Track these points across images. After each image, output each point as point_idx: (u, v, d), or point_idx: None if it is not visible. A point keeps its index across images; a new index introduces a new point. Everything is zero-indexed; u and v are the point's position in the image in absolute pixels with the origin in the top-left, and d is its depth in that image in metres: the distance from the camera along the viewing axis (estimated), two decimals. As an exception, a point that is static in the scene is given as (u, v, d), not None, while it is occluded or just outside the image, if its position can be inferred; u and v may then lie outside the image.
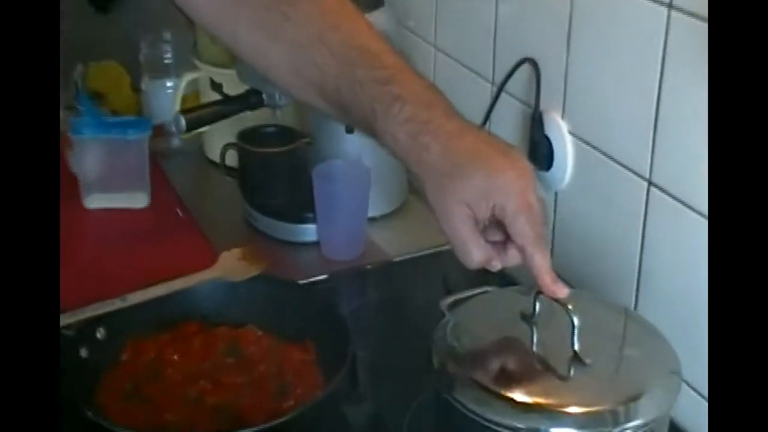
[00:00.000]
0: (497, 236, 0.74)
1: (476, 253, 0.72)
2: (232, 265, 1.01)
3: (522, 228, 0.70)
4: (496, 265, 0.74)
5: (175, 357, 0.92)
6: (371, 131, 0.75)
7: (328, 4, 0.78)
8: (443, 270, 1.15)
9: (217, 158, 1.25)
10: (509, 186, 0.70)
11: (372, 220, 1.19)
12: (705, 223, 0.81)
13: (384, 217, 1.23)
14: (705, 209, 0.82)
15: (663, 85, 0.85)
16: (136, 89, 1.46)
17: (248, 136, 1.21)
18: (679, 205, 0.85)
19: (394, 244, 1.17)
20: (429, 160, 0.71)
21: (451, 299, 0.82)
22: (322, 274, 1.11)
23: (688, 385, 0.84)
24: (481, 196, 0.70)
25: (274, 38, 0.78)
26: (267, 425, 0.78)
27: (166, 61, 1.42)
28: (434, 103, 0.73)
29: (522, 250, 0.72)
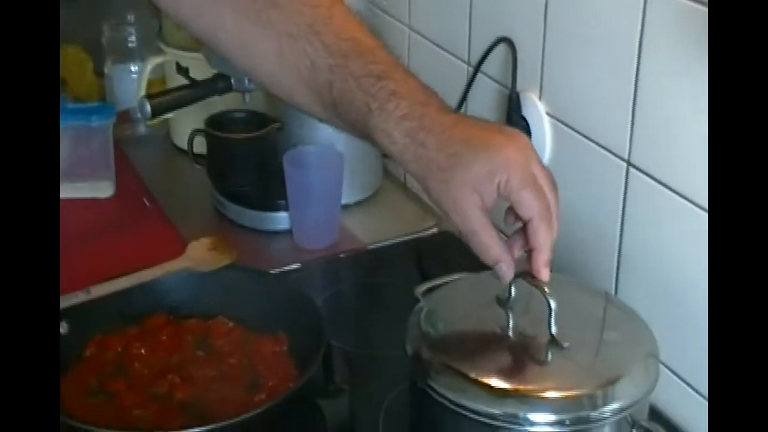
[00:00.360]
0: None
1: (493, 245, 0.70)
2: (200, 256, 0.97)
3: (528, 202, 0.68)
4: (508, 273, 0.71)
5: (142, 351, 0.88)
6: (363, 129, 0.72)
7: None
8: (419, 257, 1.13)
9: (184, 145, 1.22)
10: (511, 161, 0.68)
11: (345, 207, 1.17)
12: (684, 203, 0.80)
13: (358, 204, 1.20)
14: (684, 190, 0.81)
15: (641, 65, 0.83)
16: (99, 74, 1.42)
17: (216, 122, 1.18)
18: (659, 186, 0.83)
19: (369, 231, 1.15)
20: (426, 156, 0.69)
21: (425, 286, 0.80)
22: (295, 263, 1.08)
23: (668, 368, 0.83)
24: (485, 178, 0.68)
25: (261, 26, 0.75)
26: (237, 419, 0.75)
27: (130, 45, 1.39)
28: (429, 100, 0.71)
29: (528, 224, 0.69)
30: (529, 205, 0.68)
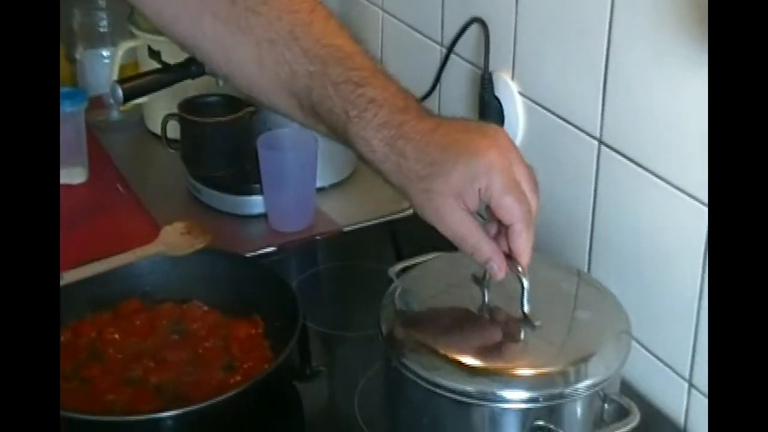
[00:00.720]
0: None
1: (482, 246, 0.69)
2: (174, 240, 0.97)
3: (510, 206, 0.67)
4: (500, 271, 0.70)
5: (117, 336, 0.88)
6: (343, 135, 0.71)
7: (298, 2, 0.74)
8: (394, 238, 1.13)
9: (157, 130, 1.21)
10: (491, 166, 0.67)
11: (321, 189, 1.17)
12: (656, 181, 0.81)
13: (333, 187, 1.20)
14: (655, 167, 0.81)
15: (611, 43, 0.83)
16: (71, 60, 1.40)
17: (190, 107, 1.17)
18: (630, 164, 0.84)
19: (344, 213, 1.15)
20: (406, 166, 0.68)
21: (400, 266, 0.80)
22: (270, 246, 1.08)
23: (639, 343, 0.84)
24: (465, 184, 0.67)
25: (241, 32, 0.74)
26: (211, 402, 0.75)
27: (101, 30, 1.37)
28: (408, 107, 0.70)
29: (509, 228, 0.68)
30: (510, 211, 0.67)
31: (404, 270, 0.80)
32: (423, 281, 0.78)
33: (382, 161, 0.70)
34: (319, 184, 1.15)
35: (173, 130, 1.18)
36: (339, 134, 0.72)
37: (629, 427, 0.66)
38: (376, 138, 0.69)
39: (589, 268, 0.91)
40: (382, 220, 1.13)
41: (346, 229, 1.12)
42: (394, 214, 1.12)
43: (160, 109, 1.22)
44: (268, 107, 0.79)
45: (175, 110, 1.16)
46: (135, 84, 1.11)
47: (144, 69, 1.23)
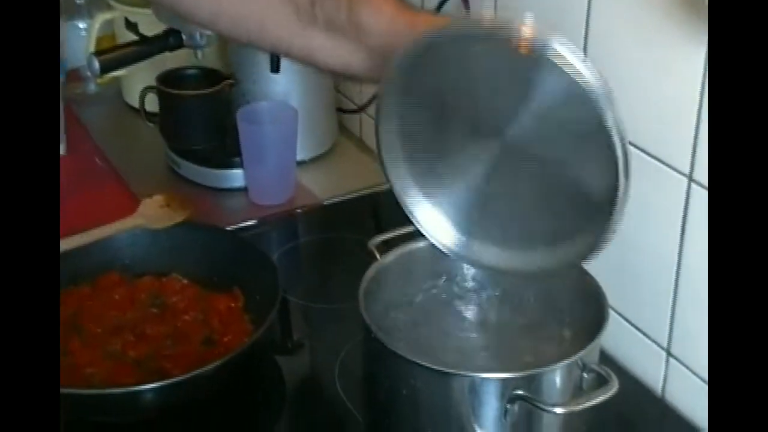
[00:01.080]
0: None
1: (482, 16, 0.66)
2: (153, 213, 0.96)
3: None
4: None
5: (96, 310, 0.88)
6: (346, 16, 0.67)
7: None
8: (375, 211, 1.13)
9: (136, 103, 1.20)
10: None
11: (301, 163, 1.16)
12: (635, 152, 0.80)
13: (313, 160, 1.19)
14: (635, 139, 0.81)
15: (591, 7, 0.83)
16: (48, 33, 1.39)
17: (168, 79, 1.16)
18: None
19: (325, 186, 1.14)
20: (420, 19, 0.65)
21: (380, 239, 0.80)
22: (250, 219, 1.08)
23: (618, 314, 0.85)
24: None
25: None
26: (190, 375, 0.75)
27: (77, 1, 1.35)
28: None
29: None
30: None
31: (384, 243, 0.80)
32: (403, 255, 0.78)
33: (391, 23, 0.66)
34: (299, 157, 1.14)
35: (152, 103, 1.17)
36: (341, 20, 0.68)
37: (608, 395, 0.66)
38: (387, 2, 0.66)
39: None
40: (363, 193, 1.12)
41: (327, 202, 1.12)
42: (375, 187, 1.12)
43: (138, 81, 1.21)
44: (255, 42, 0.74)
45: (153, 83, 1.15)
46: (112, 56, 1.10)
47: (121, 41, 1.21)
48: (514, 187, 0.67)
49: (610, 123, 0.58)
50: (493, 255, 0.69)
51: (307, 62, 0.71)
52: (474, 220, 0.69)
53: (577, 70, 0.57)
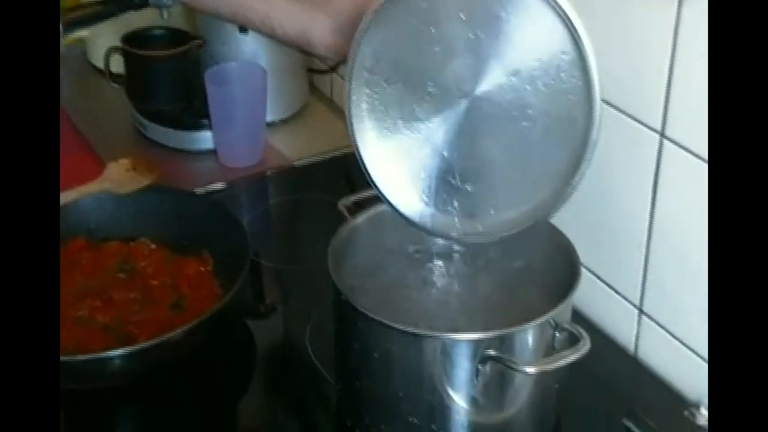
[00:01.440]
0: None
1: None
2: (119, 177, 0.95)
3: None
4: None
5: (62, 275, 0.85)
6: None
7: None
8: (347, 172, 1.11)
9: (101, 64, 1.17)
10: None
11: (271, 124, 1.15)
12: (608, 110, 0.79)
13: (284, 121, 1.18)
14: (609, 97, 0.80)
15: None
16: (9, -8, 1.35)
17: (134, 40, 1.13)
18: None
19: (295, 148, 1.13)
20: None
21: (351, 199, 0.79)
22: (220, 182, 1.06)
23: (591, 272, 0.84)
24: None
25: None
26: (158, 340, 0.74)
27: (38, -40, 1.31)
28: None
29: None
30: None
31: (356, 204, 0.79)
32: (373, 218, 0.77)
33: None
34: (269, 118, 1.13)
35: (117, 64, 1.14)
36: None
37: (579, 354, 0.66)
38: None
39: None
40: (334, 154, 1.11)
41: (297, 163, 1.11)
42: (346, 148, 1.10)
43: (102, 42, 1.18)
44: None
45: (118, 43, 1.13)
46: (75, 15, 1.07)
47: (85, 0, 1.18)
48: (478, 151, 0.67)
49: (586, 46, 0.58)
50: (457, 224, 0.69)
51: (265, 29, 0.70)
52: (439, 189, 0.69)
53: None
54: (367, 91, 0.67)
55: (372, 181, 0.70)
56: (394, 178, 0.69)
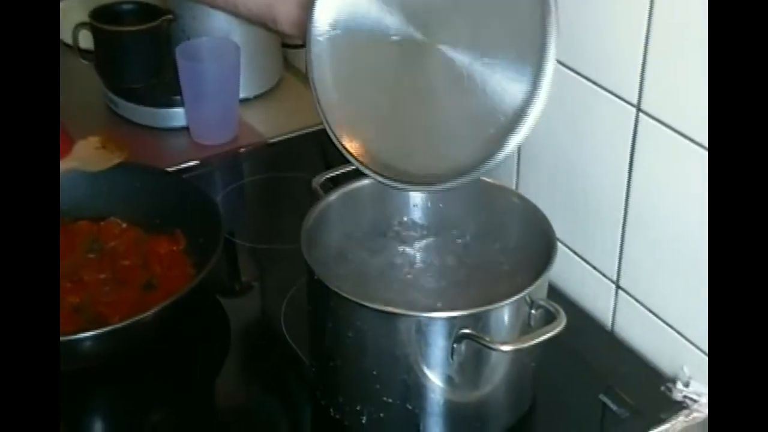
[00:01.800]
0: None
1: None
2: (89, 155, 0.93)
3: None
4: None
5: (31, 257, 0.84)
6: None
7: None
8: (322, 149, 1.10)
9: (69, 40, 1.14)
10: None
11: (245, 101, 1.13)
12: (585, 83, 0.78)
13: (258, 97, 1.16)
14: (585, 70, 0.79)
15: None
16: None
17: (103, 15, 1.11)
18: (560, 66, 0.81)
19: (269, 124, 1.11)
20: None
21: (324, 176, 0.78)
22: (193, 160, 1.04)
23: (568, 248, 0.84)
24: None
25: None
26: (130, 321, 0.72)
27: (3, -67, 1.28)
28: None
29: None
30: None
31: (331, 180, 0.78)
32: (348, 194, 0.76)
33: None
34: (243, 95, 1.11)
35: (86, 40, 1.12)
36: None
37: (555, 331, 0.65)
38: None
39: (518, 172, 0.89)
40: (308, 131, 1.09)
41: (272, 140, 1.09)
42: (321, 125, 1.08)
43: (70, 17, 1.16)
44: None
45: (86, 19, 1.10)
46: (41, -10, 1.05)
47: (51, -26, 1.16)
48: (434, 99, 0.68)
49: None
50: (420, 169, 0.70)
51: (228, 7, 0.68)
52: (400, 140, 0.70)
53: None
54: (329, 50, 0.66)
55: (333, 134, 0.71)
56: (360, 136, 0.69)
